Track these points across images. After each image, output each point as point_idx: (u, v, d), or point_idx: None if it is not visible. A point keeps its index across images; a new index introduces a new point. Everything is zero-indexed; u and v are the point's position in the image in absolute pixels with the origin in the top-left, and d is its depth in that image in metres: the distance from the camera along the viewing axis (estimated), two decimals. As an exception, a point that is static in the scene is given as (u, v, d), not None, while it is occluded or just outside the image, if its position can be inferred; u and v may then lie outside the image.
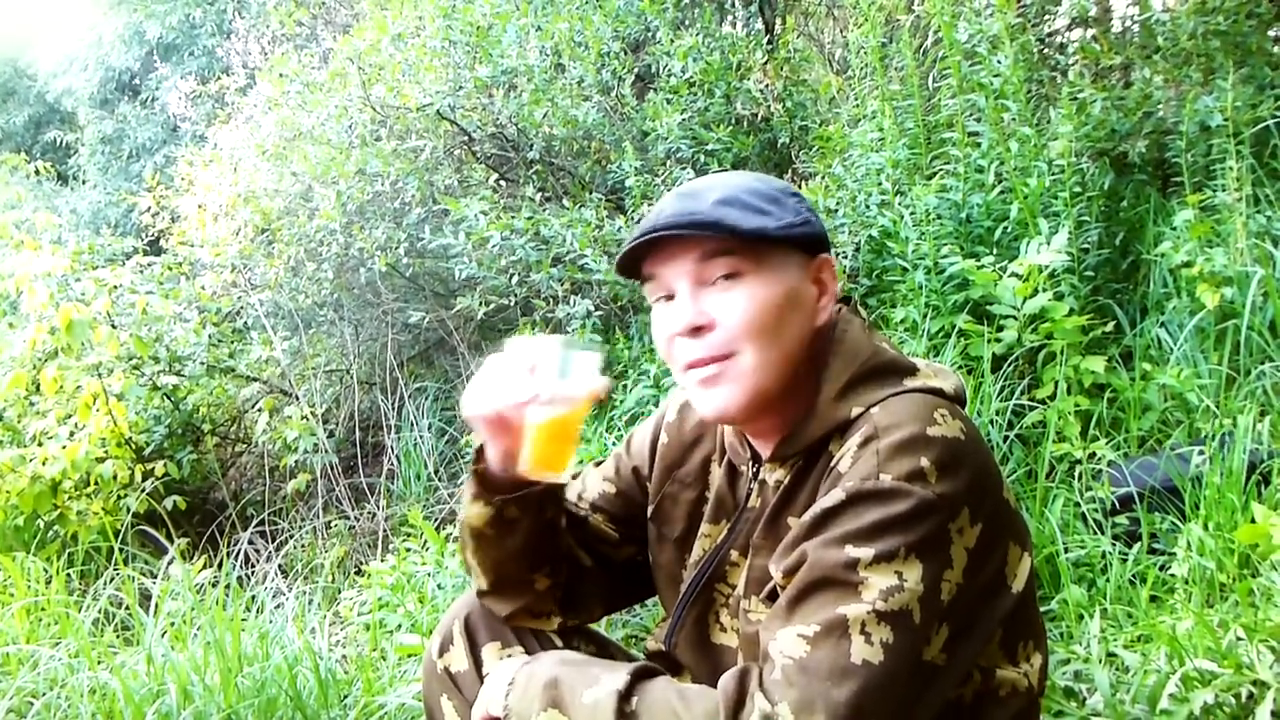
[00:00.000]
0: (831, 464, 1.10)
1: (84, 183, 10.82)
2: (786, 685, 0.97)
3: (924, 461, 1.03)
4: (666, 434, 1.40)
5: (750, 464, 1.26)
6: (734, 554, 1.26)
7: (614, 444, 3.17)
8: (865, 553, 1.00)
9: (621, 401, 3.34)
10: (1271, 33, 3.43)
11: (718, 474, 1.33)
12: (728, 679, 1.03)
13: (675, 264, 1.15)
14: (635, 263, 1.19)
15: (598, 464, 1.50)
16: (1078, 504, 2.41)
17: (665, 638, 1.35)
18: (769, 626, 1.04)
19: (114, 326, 4.04)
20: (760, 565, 1.17)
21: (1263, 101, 3.09)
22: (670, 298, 1.17)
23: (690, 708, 1.03)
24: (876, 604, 0.98)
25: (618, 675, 1.09)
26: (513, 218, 3.58)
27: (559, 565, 1.35)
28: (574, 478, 1.49)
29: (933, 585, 1.00)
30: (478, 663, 1.35)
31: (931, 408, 1.08)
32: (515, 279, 3.60)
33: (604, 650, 1.43)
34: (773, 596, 1.12)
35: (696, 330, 1.14)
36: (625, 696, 1.07)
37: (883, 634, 0.97)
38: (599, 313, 3.54)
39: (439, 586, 2.71)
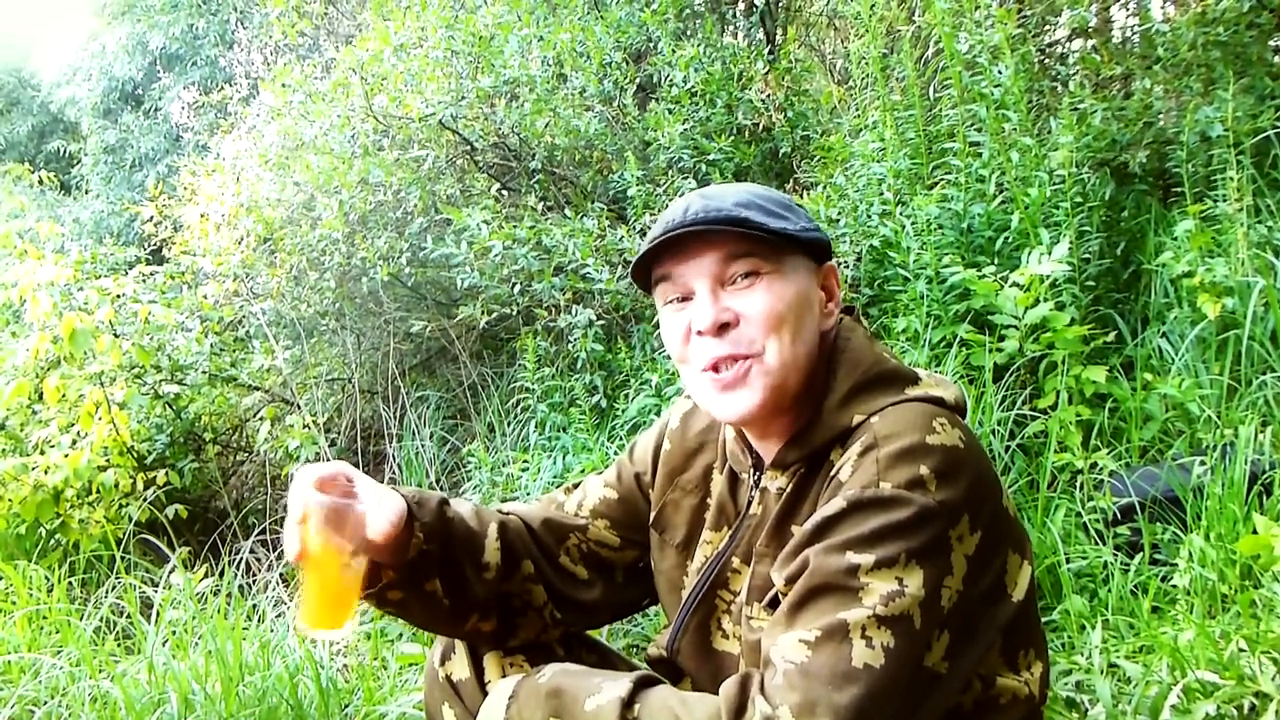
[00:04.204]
0: (832, 472, 1.11)
1: (87, 192, 10.85)
2: (788, 689, 0.98)
3: (923, 469, 1.04)
4: (669, 441, 1.41)
5: (751, 471, 1.27)
6: (736, 561, 1.26)
7: (616, 453, 3.18)
8: (866, 559, 1.01)
9: (623, 411, 3.34)
10: (1272, 43, 3.43)
11: (719, 481, 1.33)
12: (729, 684, 1.03)
13: (695, 263, 1.15)
14: (648, 265, 1.18)
15: (599, 473, 1.50)
16: (1079, 514, 2.41)
17: (668, 644, 1.35)
18: (770, 633, 1.05)
19: (116, 335, 4.04)
20: (762, 573, 1.18)
21: (1263, 112, 3.09)
22: (684, 299, 1.17)
23: (692, 712, 1.03)
24: (877, 609, 0.99)
25: (620, 683, 1.10)
26: (515, 227, 3.58)
27: (493, 607, 1.31)
28: (575, 487, 1.49)
29: (933, 591, 1.01)
30: (479, 671, 1.35)
31: (930, 416, 1.09)
32: (517, 288, 3.61)
33: (605, 660, 1.43)
34: (775, 604, 1.12)
35: (722, 328, 1.14)
36: (628, 704, 1.07)
37: (883, 638, 0.98)
38: (600, 322, 3.54)
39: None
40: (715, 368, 1.15)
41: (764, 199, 1.18)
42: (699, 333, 1.15)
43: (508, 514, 1.39)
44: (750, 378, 1.14)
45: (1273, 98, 3.18)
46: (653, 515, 1.40)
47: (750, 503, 1.26)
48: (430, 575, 1.25)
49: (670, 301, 1.19)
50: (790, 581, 1.07)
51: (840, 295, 1.23)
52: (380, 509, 1.16)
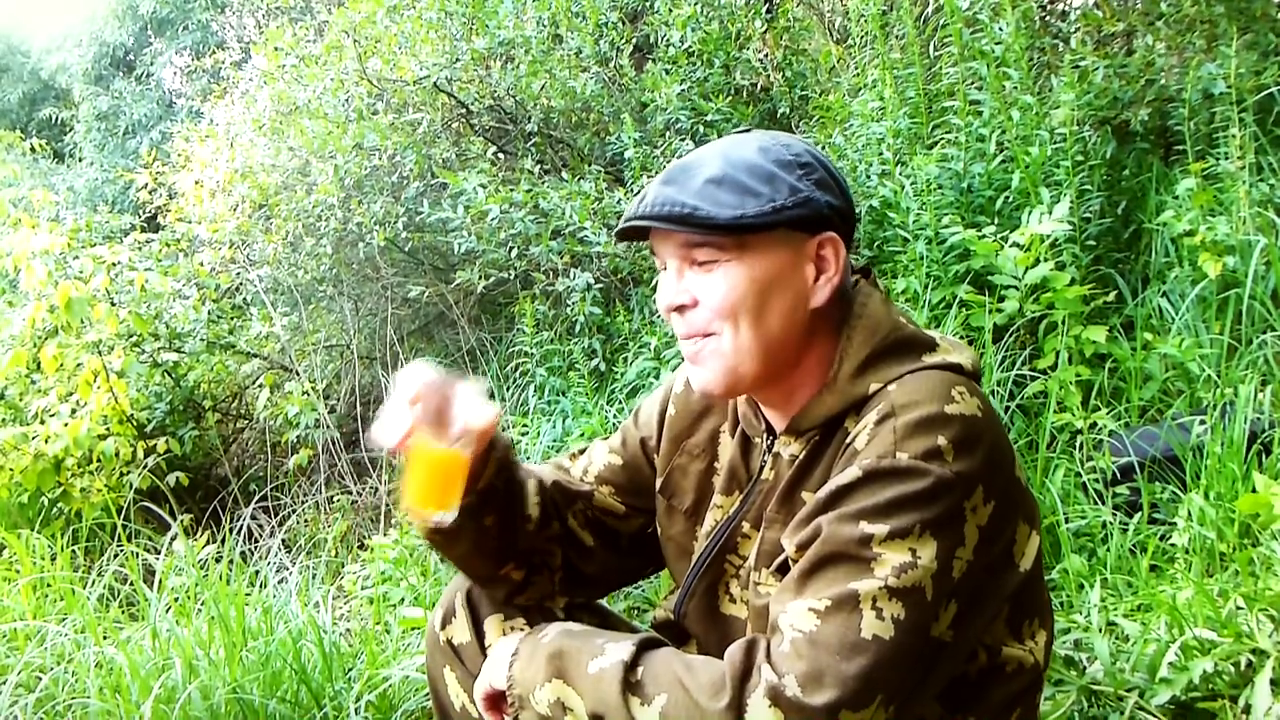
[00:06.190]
0: (848, 440, 1.10)
1: (80, 160, 10.77)
2: (795, 657, 0.98)
3: (941, 440, 1.02)
4: (674, 405, 1.39)
5: (765, 436, 1.26)
6: (746, 525, 1.25)
7: (615, 417, 3.18)
8: (880, 529, 1.00)
9: (622, 374, 3.34)
10: (1276, -1, 3.39)
11: (728, 445, 1.32)
12: (735, 649, 1.03)
13: (664, 244, 1.17)
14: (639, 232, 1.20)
15: (605, 438, 1.49)
16: (1078, 474, 2.42)
17: (675, 607, 1.34)
18: (779, 599, 1.04)
19: (113, 304, 4.03)
20: (772, 538, 1.17)
21: (1267, 68, 3.05)
22: (667, 267, 1.19)
23: (696, 677, 1.03)
24: (889, 580, 0.98)
25: (623, 646, 1.10)
26: (511, 191, 3.56)
27: (525, 558, 1.33)
28: (580, 453, 1.49)
29: (945, 563, 1.00)
30: (480, 634, 1.35)
31: (949, 385, 1.07)
32: (514, 252, 3.59)
33: (606, 623, 1.42)
34: (784, 570, 1.12)
35: (680, 308, 1.16)
36: (631, 666, 1.07)
37: (894, 610, 0.98)
38: (599, 285, 3.53)
39: (441, 560, 2.72)
40: (682, 339, 1.19)
41: (747, 169, 1.12)
42: (664, 310, 1.18)
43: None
44: (707, 358, 1.16)
45: (1276, 54, 3.14)
46: (659, 481, 1.39)
47: (762, 467, 1.24)
48: (490, 511, 1.28)
49: (662, 266, 1.21)
50: (801, 548, 1.06)
51: (839, 265, 1.17)
52: (483, 409, 1.18)
